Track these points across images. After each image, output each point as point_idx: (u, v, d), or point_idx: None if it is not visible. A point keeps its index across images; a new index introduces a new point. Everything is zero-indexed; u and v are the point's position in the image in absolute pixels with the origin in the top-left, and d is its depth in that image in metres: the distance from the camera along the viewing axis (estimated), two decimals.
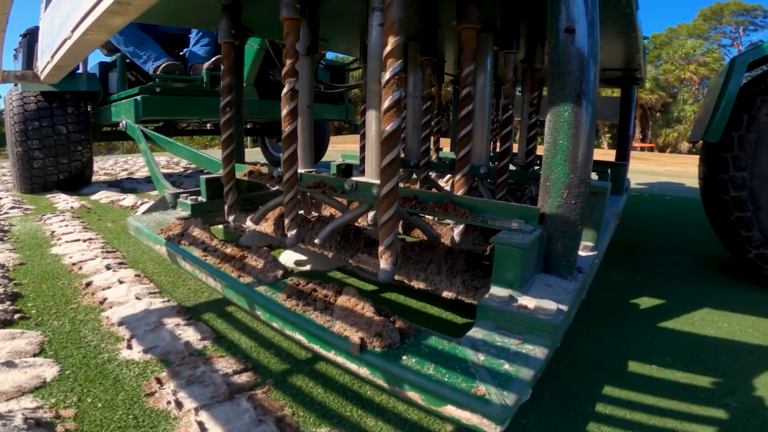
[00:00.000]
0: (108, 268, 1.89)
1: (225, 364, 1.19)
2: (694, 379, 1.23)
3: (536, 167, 2.36)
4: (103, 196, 3.95)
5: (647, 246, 2.82)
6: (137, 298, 1.56)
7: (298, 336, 1.00)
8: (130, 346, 1.25)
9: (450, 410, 0.74)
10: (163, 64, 3.57)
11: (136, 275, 1.82)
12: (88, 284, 1.71)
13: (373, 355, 0.85)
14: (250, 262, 1.28)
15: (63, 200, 3.67)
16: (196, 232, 1.56)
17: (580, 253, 1.30)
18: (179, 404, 0.99)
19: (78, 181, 4.17)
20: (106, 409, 0.97)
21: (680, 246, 2.82)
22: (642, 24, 1.90)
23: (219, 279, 1.26)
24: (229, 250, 1.39)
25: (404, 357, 0.84)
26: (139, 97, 3.23)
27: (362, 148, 2.05)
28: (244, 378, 1.13)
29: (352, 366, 0.89)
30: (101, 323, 1.39)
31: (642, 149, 23.55)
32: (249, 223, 1.94)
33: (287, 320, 1.02)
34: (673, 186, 6.33)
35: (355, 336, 0.89)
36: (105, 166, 6.97)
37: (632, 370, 1.29)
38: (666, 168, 9.88)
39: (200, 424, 0.92)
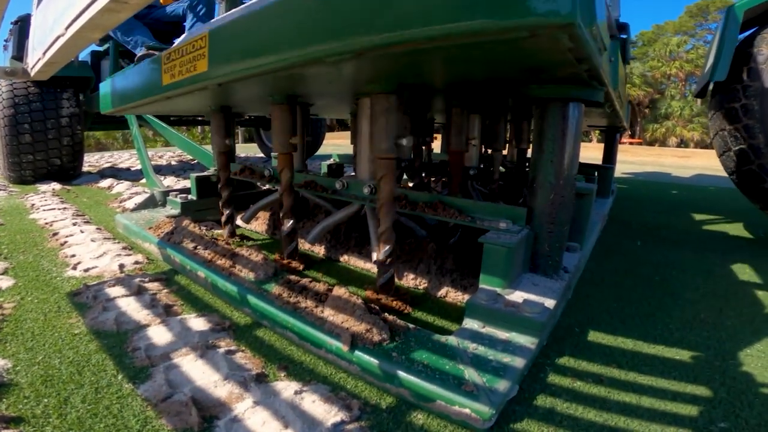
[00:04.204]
0: (75, 224, 2.16)
1: (143, 277, 1.45)
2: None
3: (527, 169, 2.39)
4: (83, 181, 4.13)
5: None
6: (92, 241, 1.82)
7: (290, 333, 1.01)
8: (75, 268, 1.52)
9: (439, 406, 0.76)
10: (139, 54, 3.51)
11: (97, 229, 2.07)
12: (55, 234, 1.98)
13: (364, 351, 0.87)
14: (241, 260, 1.29)
15: (45, 184, 3.88)
16: (187, 230, 1.56)
17: (567, 253, 1.33)
18: (95, 298, 1.27)
19: (68, 172, 4.10)
20: (40, 302, 1.25)
21: None
22: (630, 25, 1.93)
23: (210, 276, 1.27)
24: (219, 247, 1.40)
25: (394, 354, 0.86)
26: None
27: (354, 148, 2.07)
28: (156, 285, 1.39)
29: (343, 362, 0.91)
30: (58, 257, 1.66)
31: (631, 144, 23.77)
32: (239, 222, 1.95)
33: (279, 317, 1.03)
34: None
35: (346, 333, 0.91)
36: (90, 160, 6.90)
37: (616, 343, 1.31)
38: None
39: (105, 308, 1.20)
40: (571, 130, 1.07)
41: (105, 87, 1.59)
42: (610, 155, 3.09)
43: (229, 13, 1.08)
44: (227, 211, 1.68)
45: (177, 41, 1.45)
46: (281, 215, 1.47)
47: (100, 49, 4.18)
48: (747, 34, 2.16)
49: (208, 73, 1.05)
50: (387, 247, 1.16)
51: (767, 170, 1.96)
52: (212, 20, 1.21)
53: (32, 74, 1.76)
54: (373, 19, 0.70)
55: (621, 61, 1.46)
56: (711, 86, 2.18)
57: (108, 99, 1.58)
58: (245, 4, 1.02)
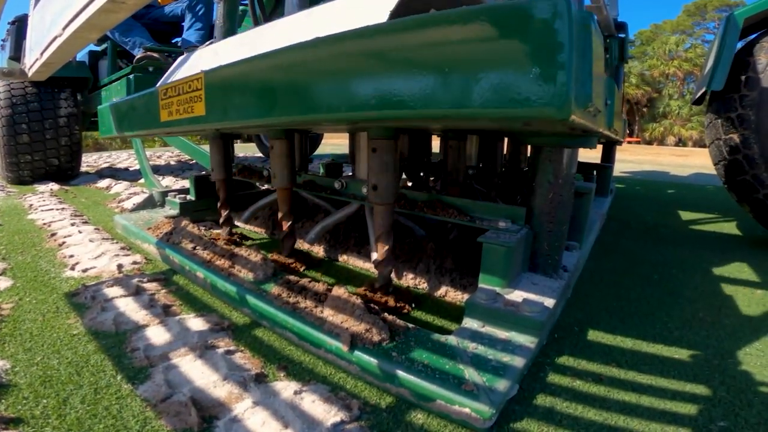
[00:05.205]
0: (73, 225, 2.16)
1: (141, 277, 1.45)
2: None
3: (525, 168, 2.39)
4: (81, 181, 4.10)
5: None
6: (91, 241, 1.82)
7: (289, 333, 1.01)
8: (73, 268, 1.51)
9: (439, 405, 0.76)
10: (138, 56, 3.49)
11: (95, 229, 2.06)
12: (53, 234, 1.97)
13: (364, 351, 0.87)
14: (240, 260, 1.29)
15: (44, 184, 3.86)
16: (186, 230, 1.56)
17: (566, 252, 1.33)
18: (94, 298, 1.26)
19: (66, 172, 4.09)
20: (39, 303, 1.25)
21: None
22: (629, 24, 1.93)
23: (209, 277, 1.27)
24: (218, 248, 1.39)
25: (394, 354, 0.86)
26: (131, 76, 3.19)
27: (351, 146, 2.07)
28: (154, 285, 1.39)
29: (343, 362, 0.91)
30: (56, 257, 1.66)
31: (629, 143, 23.80)
32: (238, 222, 1.95)
33: (278, 317, 1.03)
34: None
35: (345, 333, 0.91)
36: (89, 160, 6.88)
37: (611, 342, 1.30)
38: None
39: (103, 308, 1.19)
40: (566, 163, 1.09)
41: (105, 113, 1.58)
42: (608, 154, 3.09)
43: (224, 52, 1.07)
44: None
45: (175, 67, 1.44)
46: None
47: (98, 49, 4.17)
48: (746, 41, 2.15)
49: (205, 117, 1.04)
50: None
51: (761, 180, 1.96)
52: (205, 57, 1.21)
53: (30, 75, 1.76)
54: (376, 97, 0.70)
55: (618, 90, 1.47)
56: (708, 94, 2.18)
57: (109, 125, 1.57)
58: (239, 36, 1.01)
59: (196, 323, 1.12)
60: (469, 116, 0.62)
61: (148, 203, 2.21)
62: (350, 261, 1.58)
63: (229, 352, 0.99)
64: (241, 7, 2.68)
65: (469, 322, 0.96)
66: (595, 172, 2.71)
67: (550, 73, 0.55)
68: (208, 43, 1.37)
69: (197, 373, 0.91)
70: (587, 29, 0.61)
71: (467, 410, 0.73)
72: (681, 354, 1.07)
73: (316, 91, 0.78)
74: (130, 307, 1.21)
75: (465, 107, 0.62)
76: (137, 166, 5.40)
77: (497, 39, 0.58)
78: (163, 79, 1.50)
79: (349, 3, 0.95)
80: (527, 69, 0.57)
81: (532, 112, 0.57)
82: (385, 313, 0.99)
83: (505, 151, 2.38)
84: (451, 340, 0.90)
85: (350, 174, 1.64)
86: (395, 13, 0.83)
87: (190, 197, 1.98)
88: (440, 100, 0.64)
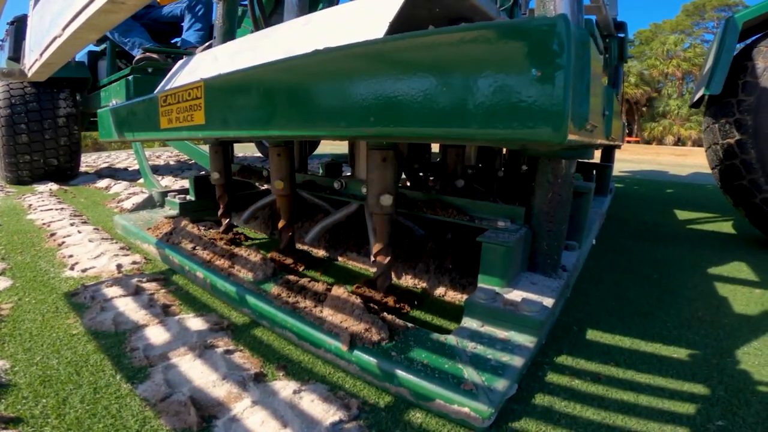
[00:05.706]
0: (72, 225, 2.16)
1: (140, 277, 1.45)
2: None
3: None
4: (80, 181, 4.09)
5: None
6: (90, 241, 1.82)
7: (289, 333, 1.01)
8: (72, 268, 1.51)
9: (438, 404, 0.76)
10: (137, 56, 3.49)
11: (94, 229, 2.06)
12: (52, 234, 1.97)
13: (363, 351, 0.87)
14: (240, 260, 1.29)
15: (43, 184, 3.87)
16: (185, 230, 1.56)
17: (565, 251, 1.33)
18: (93, 298, 1.27)
19: (65, 172, 4.09)
20: (38, 303, 1.25)
21: None
22: (628, 24, 1.93)
23: (208, 277, 1.27)
24: (218, 248, 1.39)
25: (393, 353, 0.86)
26: (131, 77, 3.18)
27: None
28: (153, 285, 1.40)
29: (342, 362, 0.91)
30: (56, 257, 1.66)
31: (628, 142, 23.79)
32: (239, 221, 1.95)
33: (278, 317, 1.03)
34: None
35: (345, 332, 0.91)
36: (88, 160, 6.87)
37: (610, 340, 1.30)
38: None
39: (103, 308, 1.19)
40: (565, 163, 1.10)
41: (105, 116, 1.57)
42: (608, 154, 3.09)
43: (223, 58, 1.06)
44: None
45: (174, 71, 1.43)
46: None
47: (97, 49, 4.17)
48: (745, 43, 2.15)
49: (205, 126, 1.03)
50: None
51: (758, 185, 1.96)
52: (205, 62, 1.20)
53: (29, 75, 1.76)
54: (375, 114, 0.70)
55: (617, 99, 1.47)
56: (706, 97, 2.18)
57: (109, 129, 1.57)
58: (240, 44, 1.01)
59: (195, 323, 1.12)
60: (465, 136, 0.62)
61: (148, 203, 2.21)
62: (350, 261, 1.59)
63: (228, 352, 0.99)
64: (240, 8, 2.68)
65: (469, 322, 0.97)
66: (594, 172, 2.71)
67: (546, 95, 0.55)
68: (207, 44, 1.37)
69: (196, 372, 0.91)
70: (585, 46, 0.61)
71: (466, 409, 0.73)
72: (680, 353, 1.07)
73: (315, 105, 0.77)
74: (129, 307, 1.20)
75: (462, 127, 0.61)
76: (136, 166, 5.40)
77: (494, 58, 0.58)
78: (162, 83, 1.50)
79: (348, 12, 0.95)
80: (524, 90, 0.56)
81: (528, 135, 0.57)
82: (385, 313, 0.99)
83: (504, 151, 2.38)
84: (451, 339, 0.90)
85: (349, 174, 1.64)
86: (394, 24, 0.83)
87: (190, 197, 1.98)
88: (438, 120, 0.63)
